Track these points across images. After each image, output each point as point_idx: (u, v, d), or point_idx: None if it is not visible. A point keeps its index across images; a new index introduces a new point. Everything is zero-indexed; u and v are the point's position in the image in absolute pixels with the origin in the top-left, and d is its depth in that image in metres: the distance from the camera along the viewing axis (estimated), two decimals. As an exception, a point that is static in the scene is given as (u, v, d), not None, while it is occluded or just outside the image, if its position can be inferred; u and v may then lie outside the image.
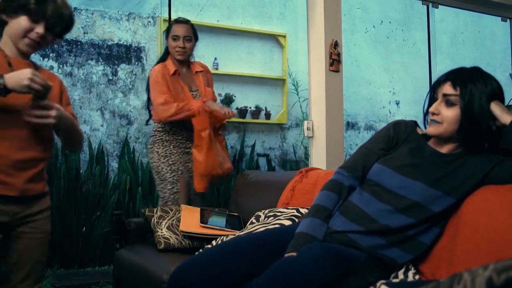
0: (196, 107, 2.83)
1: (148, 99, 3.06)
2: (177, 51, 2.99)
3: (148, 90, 3.04)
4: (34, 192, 1.76)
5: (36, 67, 1.81)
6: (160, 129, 3.01)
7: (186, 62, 3.07)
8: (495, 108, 1.56)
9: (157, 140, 3.01)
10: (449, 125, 1.59)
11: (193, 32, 3.03)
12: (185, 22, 3.03)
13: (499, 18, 5.10)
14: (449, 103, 1.59)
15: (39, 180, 1.79)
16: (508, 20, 5.08)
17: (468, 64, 1.69)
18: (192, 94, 3.00)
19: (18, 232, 1.73)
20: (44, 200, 1.82)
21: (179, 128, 3.01)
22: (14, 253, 1.73)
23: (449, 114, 1.59)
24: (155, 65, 3.08)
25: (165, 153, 2.98)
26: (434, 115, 1.62)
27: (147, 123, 3.25)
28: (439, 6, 4.76)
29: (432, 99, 1.69)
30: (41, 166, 1.78)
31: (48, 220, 1.83)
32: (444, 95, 1.60)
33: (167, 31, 3.06)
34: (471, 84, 1.57)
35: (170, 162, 2.97)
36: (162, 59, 3.08)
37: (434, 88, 1.67)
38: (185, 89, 2.98)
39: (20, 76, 1.54)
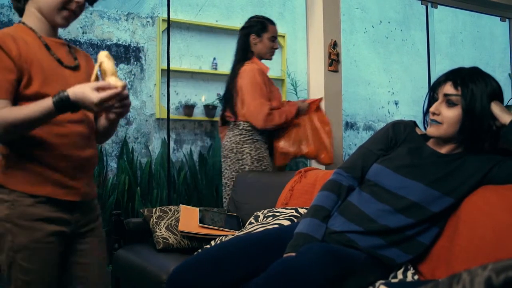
0: (293, 114, 2.89)
1: (229, 97, 2.95)
2: (273, 51, 3.01)
3: (230, 87, 2.94)
4: (92, 195, 1.57)
5: (69, 46, 1.59)
6: (249, 127, 2.90)
7: None
8: (495, 108, 1.56)
9: (247, 140, 2.89)
10: (450, 125, 1.59)
11: None
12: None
13: (498, 18, 5.10)
14: (450, 103, 1.59)
15: (93, 182, 1.60)
16: (507, 20, 5.09)
17: (467, 64, 1.69)
18: None
19: (80, 244, 1.52)
20: (97, 204, 1.64)
21: None
22: (78, 269, 1.51)
23: (450, 114, 1.59)
24: (238, 63, 2.97)
25: (258, 156, 2.89)
26: (435, 115, 1.62)
27: (224, 123, 3.06)
28: (438, 6, 4.76)
29: (431, 99, 1.69)
30: (96, 165, 1.61)
31: (101, 225, 1.64)
32: (446, 95, 1.60)
33: (258, 28, 2.97)
34: (472, 83, 1.57)
35: (263, 167, 2.90)
36: (245, 58, 2.97)
37: (434, 88, 1.67)
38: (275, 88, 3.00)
39: (85, 101, 1.32)
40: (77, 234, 1.51)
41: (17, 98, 1.38)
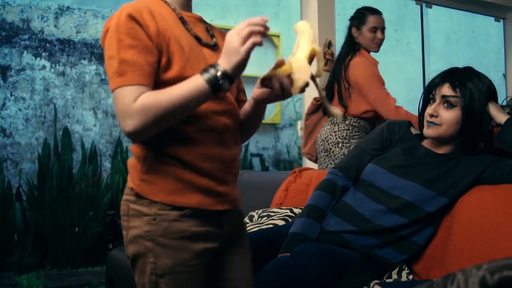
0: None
1: (336, 89, 2.88)
2: (376, 42, 2.90)
3: (337, 78, 2.86)
4: (240, 201, 1.29)
5: (206, 22, 1.32)
6: (356, 124, 2.86)
7: None
8: (491, 108, 1.56)
9: (353, 135, 2.83)
10: (449, 127, 1.58)
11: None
12: (380, 12, 2.93)
13: (493, 18, 5.11)
14: (448, 105, 1.58)
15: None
16: (501, 20, 5.10)
17: (461, 64, 1.68)
18: None
19: (228, 256, 1.26)
20: (242, 210, 1.36)
21: (370, 124, 2.92)
22: (226, 284, 1.25)
23: (448, 116, 1.58)
24: (345, 55, 2.89)
25: None
26: (433, 117, 1.61)
27: (325, 114, 2.97)
28: (433, 6, 4.77)
29: (426, 100, 1.68)
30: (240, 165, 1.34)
31: (246, 232, 1.37)
32: (443, 96, 1.59)
33: (357, 21, 2.89)
34: (470, 84, 1.56)
35: None
36: (352, 50, 2.88)
37: (429, 89, 1.66)
38: None
39: (231, 44, 1.07)
40: (226, 247, 1.25)
41: (154, 85, 1.13)
